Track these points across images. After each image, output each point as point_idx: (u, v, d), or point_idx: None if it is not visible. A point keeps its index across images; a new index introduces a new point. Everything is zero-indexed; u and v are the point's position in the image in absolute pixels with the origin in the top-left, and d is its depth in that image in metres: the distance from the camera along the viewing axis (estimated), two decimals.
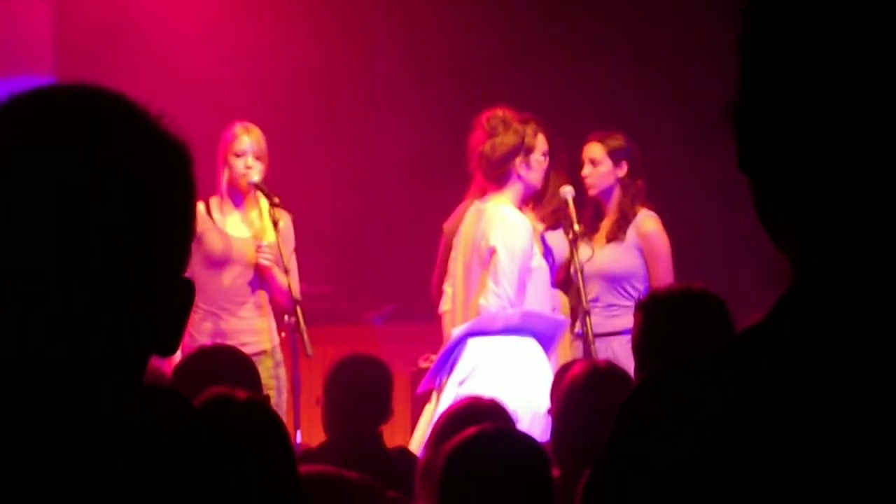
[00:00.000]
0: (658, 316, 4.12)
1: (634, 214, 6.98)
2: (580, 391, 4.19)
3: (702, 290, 4.17)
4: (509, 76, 9.52)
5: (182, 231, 1.43)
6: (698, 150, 9.09)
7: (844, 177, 1.24)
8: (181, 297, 1.42)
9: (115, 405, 1.35)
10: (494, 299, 6.39)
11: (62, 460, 1.31)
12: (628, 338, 6.66)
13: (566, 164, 6.92)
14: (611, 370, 4.34)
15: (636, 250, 6.93)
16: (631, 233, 6.96)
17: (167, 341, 1.42)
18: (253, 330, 6.89)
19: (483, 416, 4.20)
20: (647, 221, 6.97)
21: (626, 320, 6.76)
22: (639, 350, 4.19)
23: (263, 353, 6.81)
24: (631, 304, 6.81)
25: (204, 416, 1.43)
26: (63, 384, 1.35)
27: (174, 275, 1.42)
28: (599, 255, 6.93)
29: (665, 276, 6.81)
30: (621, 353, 6.45)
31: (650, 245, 6.92)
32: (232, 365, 4.69)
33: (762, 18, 1.28)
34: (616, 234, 6.97)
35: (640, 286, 6.88)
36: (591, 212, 7.07)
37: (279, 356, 6.91)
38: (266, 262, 6.84)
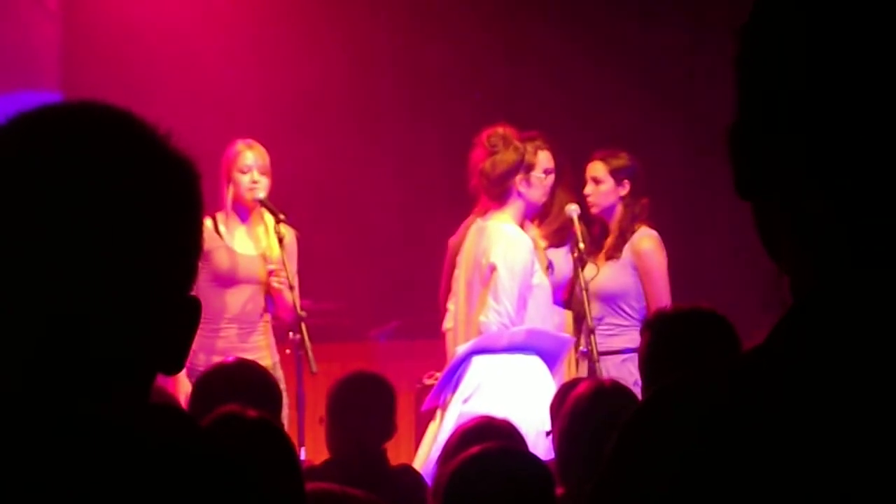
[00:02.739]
0: (665, 335, 4.12)
1: (632, 233, 6.96)
2: (585, 410, 4.18)
3: (709, 310, 4.18)
4: (513, 93, 9.53)
5: (188, 249, 1.42)
6: (704, 169, 9.09)
7: (844, 195, 1.24)
8: (187, 316, 1.42)
9: (116, 421, 1.35)
10: (494, 316, 6.39)
11: (56, 473, 1.31)
12: (624, 357, 6.69)
13: (572, 182, 6.92)
14: (616, 389, 4.33)
15: (631, 269, 6.92)
16: (627, 251, 6.94)
17: (172, 360, 1.42)
18: (254, 347, 6.87)
19: (494, 435, 4.19)
20: (643, 240, 6.95)
21: (622, 340, 6.75)
22: (645, 368, 4.19)
23: None
24: (627, 323, 6.82)
25: (212, 433, 1.42)
26: (62, 398, 1.34)
27: (180, 293, 1.42)
28: (598, 274, 6.92)
29: (659, 295, 6.78)
30: (615, 372, 6.43)
31: (644, 263, 6.90)
32: (253, 381, 4.67)
33: (758, 38, 1.28)
34: (614, 253, 6.96)
35: (637, 305, 6.87)
36: (597, 230, 7.07)
37: (280, 373, 6.89)
38: (279, 287, 6.84)
